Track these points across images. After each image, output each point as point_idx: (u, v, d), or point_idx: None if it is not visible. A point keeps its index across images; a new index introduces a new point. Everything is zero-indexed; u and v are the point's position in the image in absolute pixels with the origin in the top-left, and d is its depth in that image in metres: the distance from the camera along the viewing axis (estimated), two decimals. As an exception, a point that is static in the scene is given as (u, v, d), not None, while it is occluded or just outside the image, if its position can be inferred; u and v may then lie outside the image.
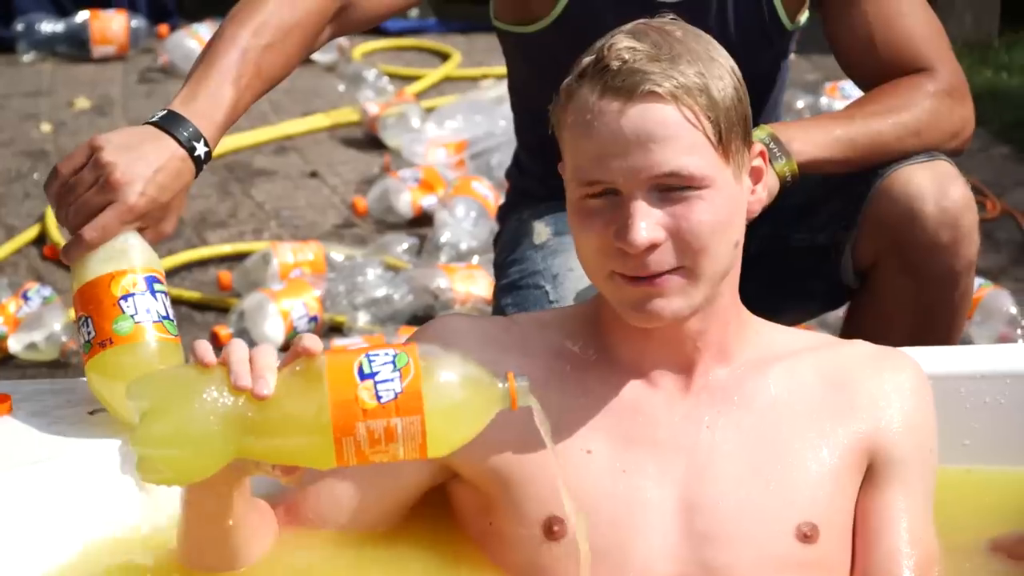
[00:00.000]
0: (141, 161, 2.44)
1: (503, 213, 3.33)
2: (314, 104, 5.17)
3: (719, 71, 2.23)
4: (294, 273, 4.14)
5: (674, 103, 2.16)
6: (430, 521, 2.40)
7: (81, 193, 2.43)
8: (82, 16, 5.57)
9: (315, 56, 5.45)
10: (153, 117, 2.54)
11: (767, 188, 2.33)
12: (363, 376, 1.98)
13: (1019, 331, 3.98)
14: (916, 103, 2.94)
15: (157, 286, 2.41)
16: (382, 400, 1.97)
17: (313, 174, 4.88)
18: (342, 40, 5.56)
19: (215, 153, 4.44)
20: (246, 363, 2.01)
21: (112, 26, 5.51)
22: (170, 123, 2.52)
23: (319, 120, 5.14)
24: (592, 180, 2.20)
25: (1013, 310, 4.03)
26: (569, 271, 2.89)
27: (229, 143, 4.97)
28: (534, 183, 3.17)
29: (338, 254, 4.26)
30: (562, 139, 2.26)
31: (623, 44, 2.19)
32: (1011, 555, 2.53)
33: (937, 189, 2.87)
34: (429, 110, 5.02)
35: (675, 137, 2.17)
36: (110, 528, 2.39)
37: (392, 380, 1.98)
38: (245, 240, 4.47)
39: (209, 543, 2.23)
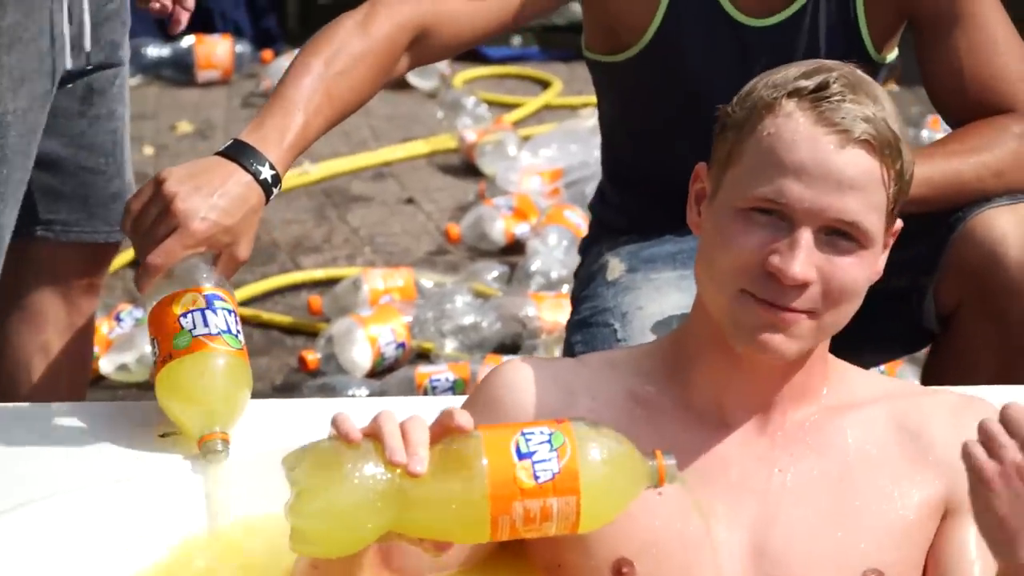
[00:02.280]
0: (202, 189, 2.49)
1: (584, 246, 3.31)
2: (413, 130, 5.22)
3: (907, 149, 2.25)
4: (384, 299, 4.18)
5: (879, 159, 2.17)
6: (508, 558, 2.37)
7: (147, 224, 2.48)
8: (188, 41, 5.63)
9: (416, 82, 5.54)
10: (222, 148, 2.59)
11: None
12: (520, 456, 1.98)
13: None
14: (1000, 143, 2.91)
15: (219, 303, 2.46)
16: (540, 480, 1.97)
17: (409, 200, 4.92)
18: (443, 67, 5.61)
19: (315, 176, 4.43)
20: (399, 437, 2.01)
21: (217, 51, 5.57)
22: (235, 151, 2.57)
23: (417, 147, 5.19)
24: (770, 198, 2.17)
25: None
26: (639, 309, 2.88)
27: (327, 168, 5.03)
28: (615, 215, 3.18)
29: (428, 281, 4.27)
30: (747, 141, 2.22)
31: (842, 84, 2.20)
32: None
33: (1022, 233, 2.84)
34: (526, 138, 5.06)
35: (869, 191, 2.18)
36: (180, 536, 2.41)
37: (550, 460, 1.98)
38: (338, 265, 4.51)
39: None
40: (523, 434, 1.99)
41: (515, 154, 4.88)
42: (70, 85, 2.86)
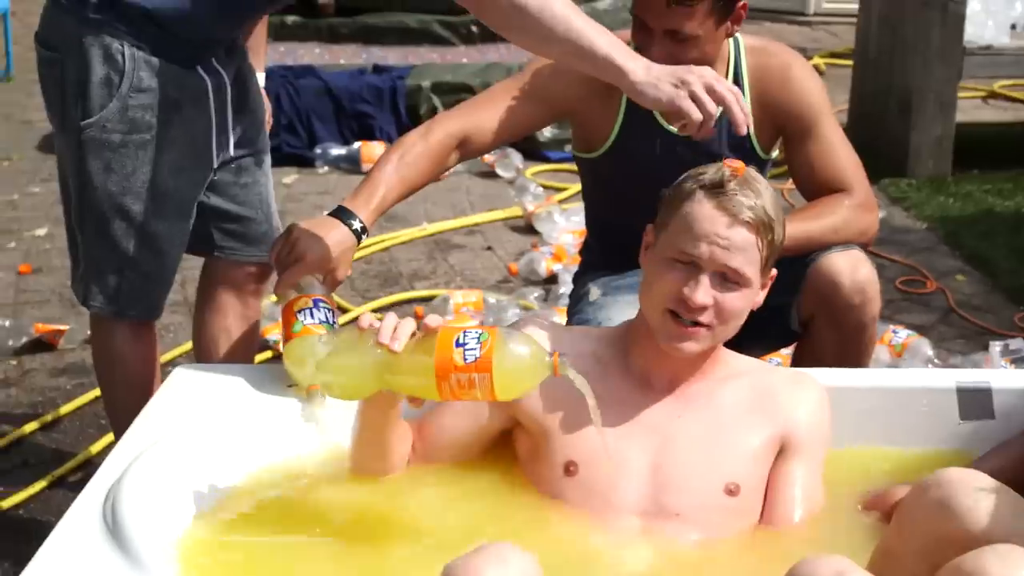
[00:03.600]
0: (315, 236, 2.62)
1: (575, 278, 3.32)
2: (496, 203, 5.28)
3: (779, 223, 2.31)
4: (463, 310, 4.25)
5: (755, 234, 2.25)
6: (500, 462, 2.45)
7: (283, 256, 2.63)
8: (357, 144, 5.72)
9: (501, 173, 5.58)
10: (330, 211, 2.72)
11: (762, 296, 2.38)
12: (458, 344, 2.06)
13: (930, 366, 3.92)
14: (837, 212, 2.95)
15: (322, 304, 2.57)
16: (467, 360, 2.05)
17: (488, 248, 4.98)
18: (519, 163, 5.64)
19: (430, 231, 4.43)
20: (391, 329, 2.11)
21: (375, 152, 5.69)
22: (338, 212, 2.69)
23: (498, 214, 5.24)
24: (687, 252, 2.25)
25: (930, 352, 3.98)
26: (608, 320, 2.87)
27: (438, 227, 5.12)
28: (596, 258, 3.19)
29: (492, 298, 4.35)
30: (674, 214, 2.29)
31: (736, 182, 2.27)
32: (871, 508, 2.50)
33: (851, 268, 2.88)
34: (565, 209, 5.09)
35: (748, 252, 2.25)
36: (294, 450, 2.48)
37: (475, 349, 2.06)
38: (439, 288, 4.56)
39: (371, 446, 2.32)
40: (464, 332, 2.09)
41: (557, 219, 4.94)
42: (231, 165, 2.94)
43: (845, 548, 2.25)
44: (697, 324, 2.25)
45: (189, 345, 3.99)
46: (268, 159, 3.05)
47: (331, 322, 2.55)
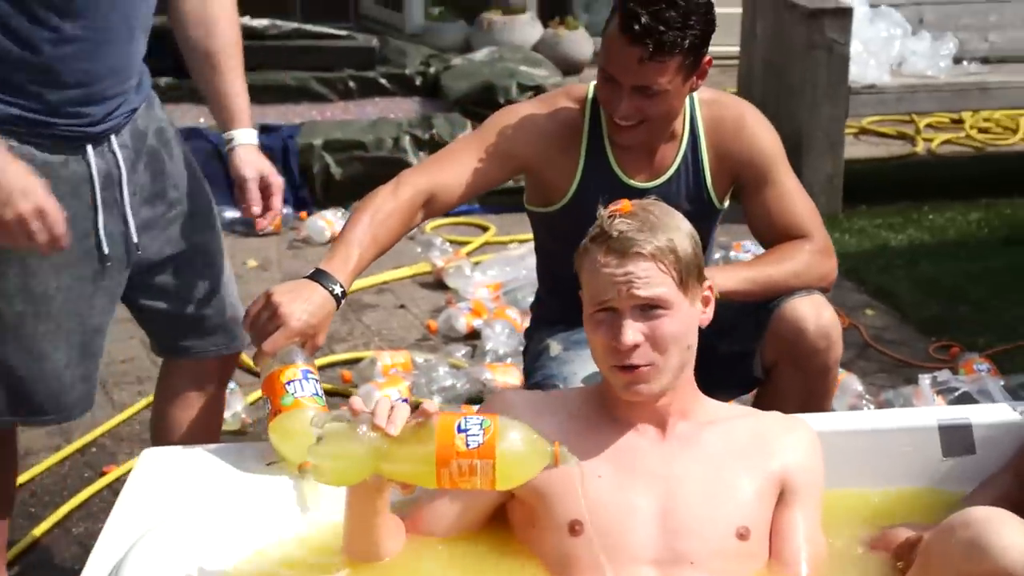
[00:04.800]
0: (298, 300, 2.54)
1: (529, 333, 3.31)
2: (402, 260, 5.17)
3: (682, 237, 2.29)
4: (392, 371, 4.18)
5: (652, 260, 2.23)
6: (496, 532, 2.40)
7: (262, 322, 2.53)
8: None
9: None
10: (308, 273, 2.64)
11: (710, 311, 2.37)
12: (459, 431, 2.03)
13: (864, 402, 3.97)
14: (797, 257, 2.97)
15: (310, 375, 2.50)
16: (469, 447, 2.03)
17: (401, 306, 4.91)
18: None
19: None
20: (387, 413, 2.07)
21: (270, 214, 5.51)
22: (317, 276, 2.62)
23: (405, 271, 5.16)
24: (600, 301, 2.26)
25: (860, 388, 4.04)
26: (574, 374, 2.90)
27: (357, 285, 4.96)
28: (551, 312, 3.18)
29: (420, 358, 4.28)
30: (582, 277, 2.32)
31: (619, 220, 2.26)
32: (876, 547, 2.52)
33: (815, 313, 2.91)
34: (476, 263, 5.07)
35: (652, 278, 2.24)
36: (286, 532, 2.40)
37: (478, 435, 2.04)
38: (359, 350, 4.49)
39: (360, 535, 2.25)
40: (465, 419, 2.06)
41: (469, 274, 4.90)
42: (168, 266, 2.78)
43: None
44: (637, 367, 2.26)
45: (108, 424, 3.93)
46: (211, 247, 2.88)
47: (321, 395, 2.49)
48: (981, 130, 7.00)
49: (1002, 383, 4.06)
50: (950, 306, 4.88)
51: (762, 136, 3.04)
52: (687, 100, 2.98)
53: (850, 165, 5.98)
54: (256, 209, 2.82)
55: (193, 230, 2.81)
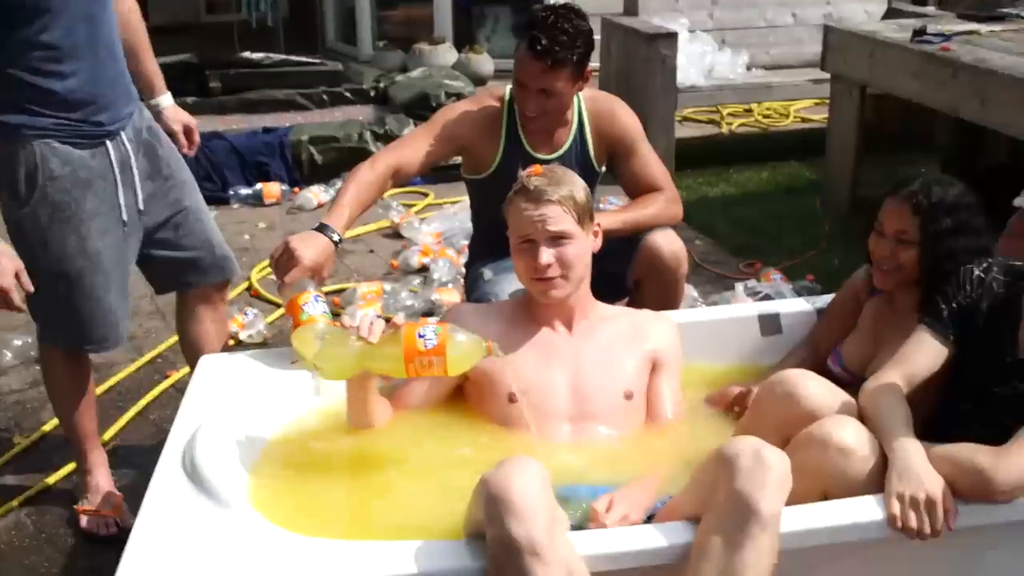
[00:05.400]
0: (308, 245, 2.54)
1: (467, 265, 3.30)
2: (369, 219, 5.04)
3: (578, 189, 2.30)
4: (369, 296, 4.12)
5: (559, 204, 2.22)
6: (457, 404, 2.40)
7: (283, 262, 2.50)
8: (259, 185, 5.44)
9: None
10: (314, 227, 2.60)
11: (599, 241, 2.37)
12: (419, 336, 2.06)
13: (698, 303, 4.02)
14: (655, 204, 2.99)
15: (319, 299, 2.47)
16: (427, 347, 2.05)
17: (372, 251, 4.82)
18: None
19: None
20: (368, 325, 2.10)
21: (274, 189, 5.42)
22: (321, 228, 2.60)
23: (373, 226, 5.04)
24: (523, 236, 2.26)
25: (695, 294, 4.07)
26: (503, 291, 2.88)
27: None
28: (483, 249, 3.14)
29: (387, 286, 4.22)
30: (509, 220, 2.30)
31: (534, 178, 2.27)
32: (712, 403, 2.54)
33: (669, 243, 2.93)
34: (423, 219, 4.99)
35: (558, 217, 2.24)
36: (306, 409, 2.40)
37: (432, 339, 2.07)
38: (343, 283, 4.39)
39: (358, 412, 2.24)
40: (423, 327, 2.08)
41: (418, 226, 4.84)
42: (168, 224, 2.73)
43: (708, 433, 2.31)
44: (551, 278, 2.27)
45: (167, 343, 3.85)
46: (199, 206, 2.82)
47: (328, 312, 2.45)
48: (765, 116, 7.03)
49: (790, 287, 4.13)
50: (752, 236, 4.91)
51: (628, 121, 3.04)
52: (575, 98, 2.97)
53: (680, 142, 6.00)
54: (187, 150, 2.90)
55: (183, 195, 2.76)
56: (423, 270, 4.45)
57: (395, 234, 4.91)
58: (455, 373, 2.12)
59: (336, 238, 2.58)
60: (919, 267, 2.31)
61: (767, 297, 3.91)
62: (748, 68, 6.19)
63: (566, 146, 3.00)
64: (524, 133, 2.97)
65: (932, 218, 2.28)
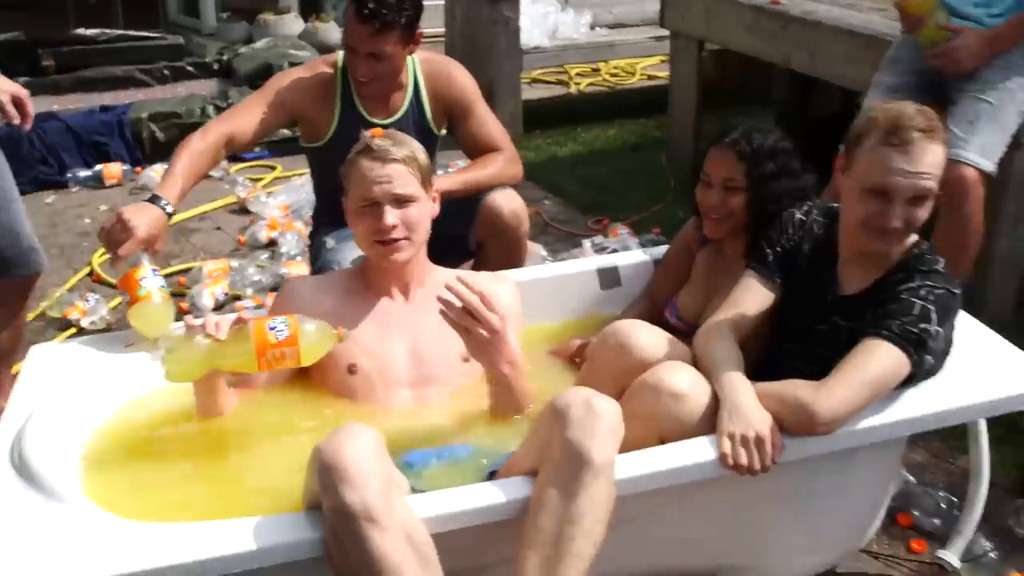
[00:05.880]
0: (141, 216, 2.47)
1: (311, 235, 3.25)
2: (215, 195, 4.93)
3: (419, 151, 2.29)
4: (215, 274, 4.01)
5: (403, 164, 2.21)
6: (301, 381, 2.34)
7: (116, 233, 2.41)
8: (99, 167, 5.22)
9: (213, 173, 5.22)
10: (146, 197, 2.54)
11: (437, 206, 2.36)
12: (270, 329, 2.03)
13: (547, 262, 3.98)
14: (494, 164, 2.99)
15: (156, 272, 2.41)
16: (279, 339, 2.02)
17: (218, 228, 4.68)
18: (225, 164, 5.28)
19: (177, 219, 4.17)
20: (214, 323, 2.05)
21: (114, 170, 5.21)
22: (153, 199, 2.52)
23: (219, 202, 4.90)
24: (367, 198, 2.22)
25: (544, 253, 4.10)
26: (345, 259, 2.87)
27: (178, 218, 4.69)
28: (325, 218, 3.12)
29: (234, 263, 4.12)
30: (348, 182, 2.26)
31: (376, 139, 2.25)
32: (558, 355, 2.55)
33: (509, 202, 2.94)
34: (270, 192, 4.86)
35: (405, 178, 2.23)
36: (140, 391, 2.31)
37: (284, 331, 2.04)
38: (189, 262, 4.27)
39: (207, 405, 2.18)
40: (272, 320, 2.03)
41: (265, 200, 4.72)
42: None
43: (551, 386, 2.33)
44: (396, 240, 2.24)
45: None
46: (10, 196, 2.69)
47: (165, 286, 2.41)
48: (612, 75, 7.11)
49: (637, 240, 4.19)
50: (600, 193, 4.96)
51: (464, 83, 3.03)
52: (410, 60, 2.95)
53: (529, 104, 6.01)
54: (16, 120, 2.65)
55: None
56: (271, 244, 4.36)
57: (242, 210, 4.80)
58: (309, 362, 2.10)
59: (169, 209, 2.52)
60: (747, 212, 2.37)
61: (614, 251, 3.95)
62: (592, 27, 6.23)
63: (403, 110, 2.97)
64: (359, 98, 2.93)
65: (756, 163, 2.35)
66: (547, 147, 5.64)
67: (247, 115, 2.82)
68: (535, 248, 4.08)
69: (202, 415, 2.19)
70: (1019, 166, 3.32)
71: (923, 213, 2.03)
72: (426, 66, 2.99)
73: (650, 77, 6.95)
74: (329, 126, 2.92)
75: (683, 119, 5.14)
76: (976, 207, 3.04)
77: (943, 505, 2.62)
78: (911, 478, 2.72)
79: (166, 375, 2.08)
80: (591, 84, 6.95)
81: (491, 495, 1.81)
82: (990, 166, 3.03)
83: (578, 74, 7.09)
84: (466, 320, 2.09)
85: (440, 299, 2.10)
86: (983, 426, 2.27)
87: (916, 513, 2.63)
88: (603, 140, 5.80)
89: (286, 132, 5.12)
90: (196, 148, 2.69)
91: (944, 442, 2.89)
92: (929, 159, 1.99)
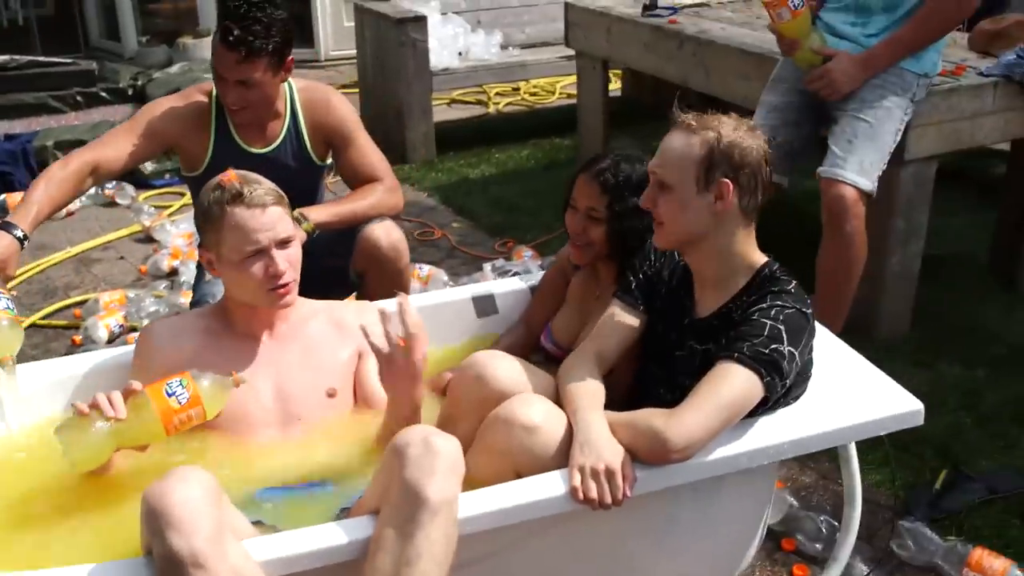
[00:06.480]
0: None
1: (199, 265, 3.20)
2: (120, 224, 4.87)
3: (275, 187, 2.19)
4: (112, 305, 3.94)
5: (279, 205, 2.15)
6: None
7: None
8: (2, 196, 5.05)
9: (120, 201, 5.16)
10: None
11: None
12: (169, 395, 1.96)
13: (447, 287, 3.98)
14: (373, 195, 2.95)
15: (3, 295, 2.32)
16: (182, 403, 1.97)
17: (121, 257, 4.60)
18: (132, 192, 5.18)
19: (78, 249, 4.02)
20: (108, 404, 1.94)
21: (18, 200, 5.03)
22: (4, 225, 2.47)
23: (123, 232, 4.83)
24: (252, 249, 2.13)
25: (445, 278, 4.07)
26: (220, 291, 2.78)
27: (79, 248, 4.64)
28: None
29: (132, 293, 4.05)
30: (224, 231, 2.15)
31: (238, 184, 2.15)
32: (430, 387, 2.51)
33: (387, 234, 2.91)
34: (175, 220, 4.78)
35: (282, 220, 2.16)
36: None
37: (184, 393, 1.97)
38: (89, 294, 4.18)
39: (100, 470, 2.04)
40: (168, 383, 1.96)
41: (170, 228, 4.65)
42: None
43: (423, 417, 2.27)
44: (287, 284, 2.18)
45: None
46: None
47: (12, 308, 2.33)
48: (532, 94, 7.11)
49: (540, 263, 4.17)
50: (509, 215, 4.94)
51: (344, 112, 3.00)
52: (287, 87, 2.91)
53: (444, 125, 6.00)
54: None
55: None
56: (173, 274, 4.29)
57: (147, 238, 4.72)
58: (214, 415, 2.04)
59: (20, 234, 2.48)
60: (607, 243, 2.35)
61: (515, 276, 3.91)
62: (504, 47, 6.23)
63: (280, 139, 2.93)
64: (234, 127, 2.88)
65: (619, 197, 2.32)
66: (459, 168, 5.61)
67: (115, 144, 2.78)
68: (437, 273, 4.04)
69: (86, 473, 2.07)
70: (906, 183, 3.34)
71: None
72: (304, 95, 2.95)
73: (569, 96, 6.94)
74: (205, 155, 2.88)
75: (590, 138, 5.14)
76: (857, 225, 3.06)
77: (824, 530, 2.61)
78: (794, 502, 2.71)
79: (71, 466, 1.99)
80: (510, 104, 6.95)
81: (332, 536, 1.76)
82: (869, 185, 3.05)
83: (497, 94, 7.09)
84: (391, 347, 2.04)
85: (363, 328, 2.07)
86: (853, 450, 2.25)
87: (800, 538, 2.62)
88: (516, 160, 5.78)
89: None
90: (55, 176, 2.64)
91: (833, 463, 2.88)
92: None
